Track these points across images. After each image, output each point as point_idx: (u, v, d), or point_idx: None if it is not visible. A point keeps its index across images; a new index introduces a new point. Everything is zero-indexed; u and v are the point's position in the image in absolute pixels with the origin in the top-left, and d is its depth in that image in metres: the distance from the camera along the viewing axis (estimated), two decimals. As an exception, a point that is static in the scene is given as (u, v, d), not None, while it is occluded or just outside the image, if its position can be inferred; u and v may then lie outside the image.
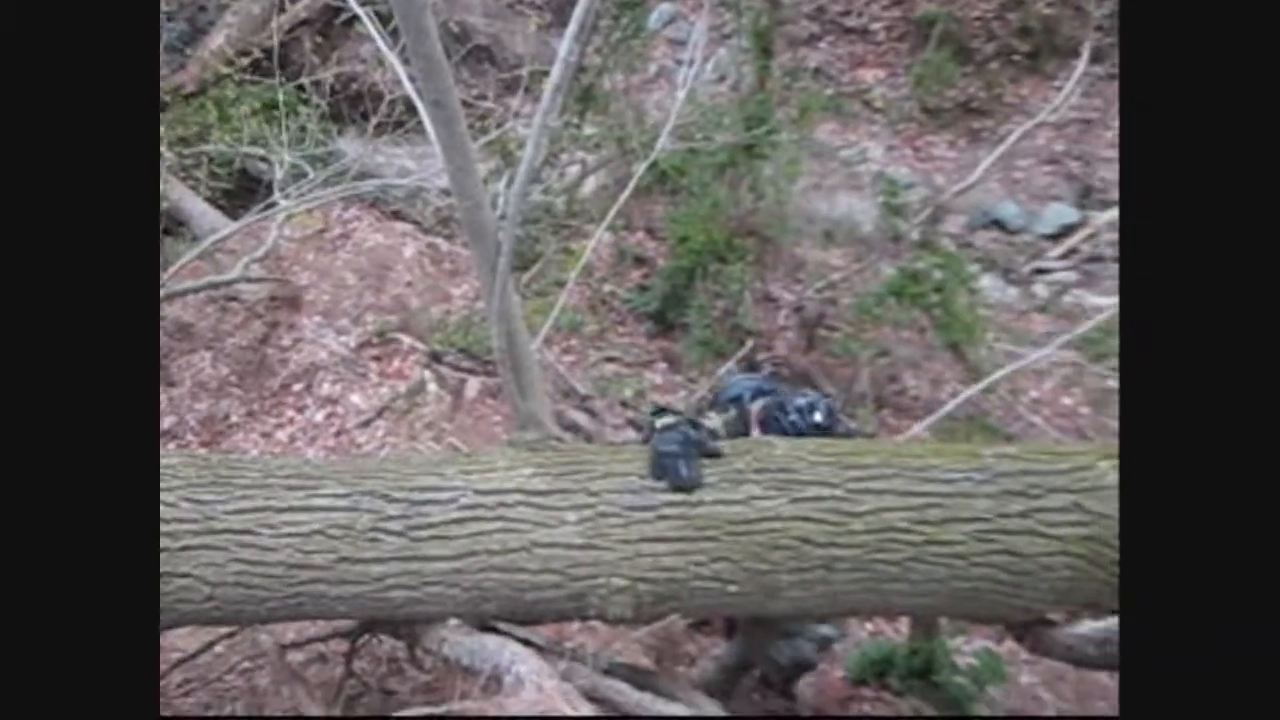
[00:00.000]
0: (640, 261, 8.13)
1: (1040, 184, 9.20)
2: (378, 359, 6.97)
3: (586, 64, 8.06)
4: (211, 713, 4.02)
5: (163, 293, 6.21)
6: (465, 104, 8.01)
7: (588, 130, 8.26)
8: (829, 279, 7.63)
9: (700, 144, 7.38)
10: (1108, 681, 4.75)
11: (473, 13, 10.21)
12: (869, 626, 5.17)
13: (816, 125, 8.30)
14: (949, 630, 4.58)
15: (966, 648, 4.67)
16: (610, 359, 7.23)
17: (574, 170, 8.46)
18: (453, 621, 3.21)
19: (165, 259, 6.63)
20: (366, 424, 6.45)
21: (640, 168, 5.31)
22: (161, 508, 3.04)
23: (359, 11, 4.57)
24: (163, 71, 8.87)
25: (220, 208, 8.20)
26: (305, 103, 8.49)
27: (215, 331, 7.19)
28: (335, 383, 6.78)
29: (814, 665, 4.29)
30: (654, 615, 3.08)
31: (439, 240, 8.14)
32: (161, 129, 7.92)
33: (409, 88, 3.68)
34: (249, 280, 7.20)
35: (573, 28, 2.87)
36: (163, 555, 3.01)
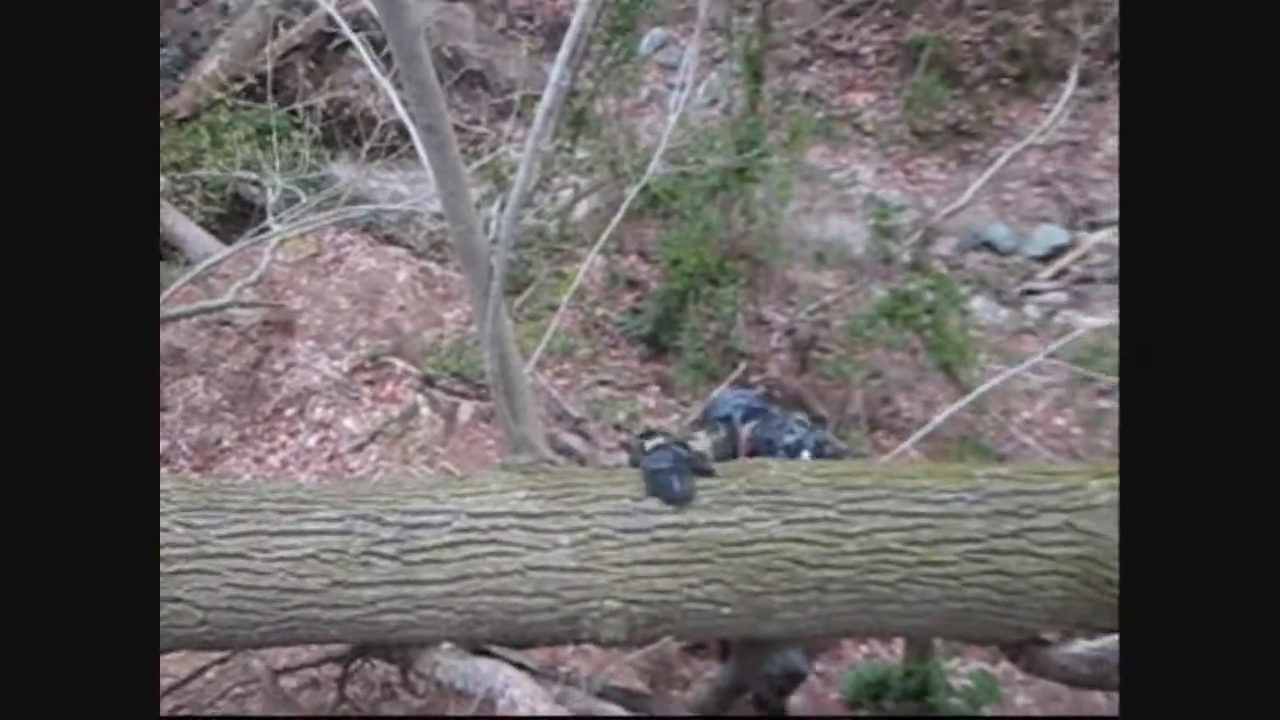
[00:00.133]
0: (633, 285, 8.15)
1: (1030, 206, 9.24)
2: (370, 383, 6.97)
3: (579, 88, 8.10)
4: (204, 739, 4.00)
5: (155, 318, 6.20)
6: (458, 129, 8.06)
7: (580, 154, 8.29)
8: (821, 301, 7.65)
9: (692, 167, 7.41)
10: (1103, 701, 4.75)
11: (466, 38, 10.25)
12: (864, 649, 5.17)
13: (807, 148, 8.34)
14: (944, 652, 4.57)
15: (962, 669, 4.66)
16: (603, 382, 7.23)
17: (566, 194, 8.48)
18: (446, 645, 3.21)
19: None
20: (359, 449, 6.44)
21: (632, 191, 5.32)
22: (154, 532, 3.03)
23: (352, 37, 4.58)
24: (156, 97, 8.88)
25: (213, 232, 8.20)
26: (298, 128, 8.51)
27: (208, 356, 7.18)
28: (328, 407, 6.77)
29: (805, 675, 4.28)
30: (647, 638, 3.08)
31: (432, 264, 8.15)
32: (155, 154, 7.93)
33: (402, 113, 3.70)
34: (242, 305, 7.20)
35: (564, 52, 2.89)
36: (155, 580, 3.01)
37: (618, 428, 6.56)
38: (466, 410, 6.58)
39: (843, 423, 6.63)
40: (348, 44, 4.68)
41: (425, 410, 6.58)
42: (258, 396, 7.06)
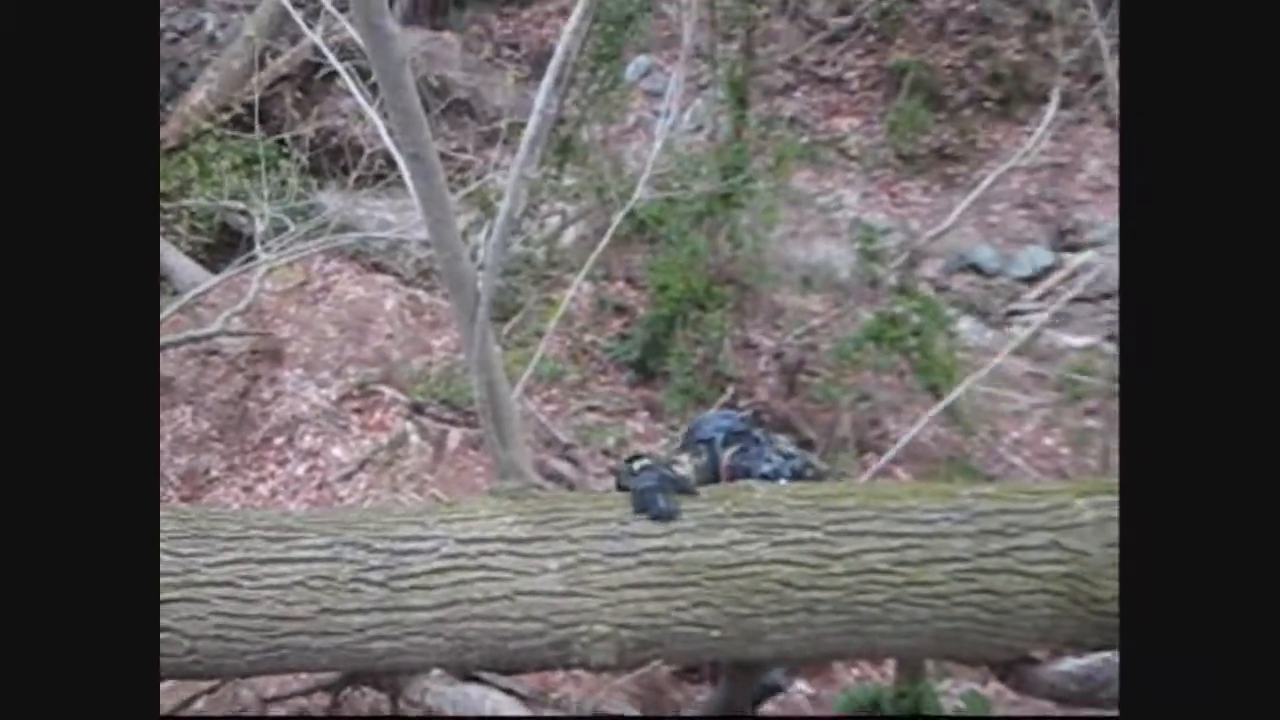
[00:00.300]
0: (620, 310, 8.16)
1: (1015, 227, 9.30)
2: (359, 411, 6.96)
3: (565, 116, 8.15)
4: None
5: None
6: (445, 157, 8.09)
7: (567, 181, 8.33)
8: (808, 325, 7.67)
9: (678, 193, 7.45)
10: (1094, 721, 4.75)
11: (452, 67, 10.31)
12: (855, 671, 5.16)
13: (793, 173, 8.38)
14: (935, 673, 4.57)
15: (954, 690, 4.66)
16: (592, 408, 7.23)
17: (554, 221, 8.51)
18: (435, 672, 3.20)
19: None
20: (348, 477, 6.42)
21: (618, 217, 5.35)
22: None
23: (338, 67, 4.61)
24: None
25: (201, 262, 8.20)
26: (286, 157, 8.54)
27: (196, 385, 7.17)
28: (317, 436, 6.76)
29: (783, 689, 4.27)
30: (637, 661, 3.08)
31: (420, 292, 8.15)
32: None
33: (388, 141, 3.72)
34: (230, 334, 7.20)
35: (548, 81, 2.92)
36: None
37: (606, 453, 6.56)
38: (455, 437, 6.57)
39: (831, 446, 6.64)
40: (334, 73, 4.72)
41: (414, 438, 6.57)
42: (246, 425, 7.04)
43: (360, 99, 4.33)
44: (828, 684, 5.01)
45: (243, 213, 8.18)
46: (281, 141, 8.78)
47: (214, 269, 7.81)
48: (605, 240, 5.22)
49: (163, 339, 6.75)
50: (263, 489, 6.57)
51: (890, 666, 4.63)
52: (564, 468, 6.15)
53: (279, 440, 6.82)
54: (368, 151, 8.02)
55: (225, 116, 9.03)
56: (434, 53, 10.18)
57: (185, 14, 10.48)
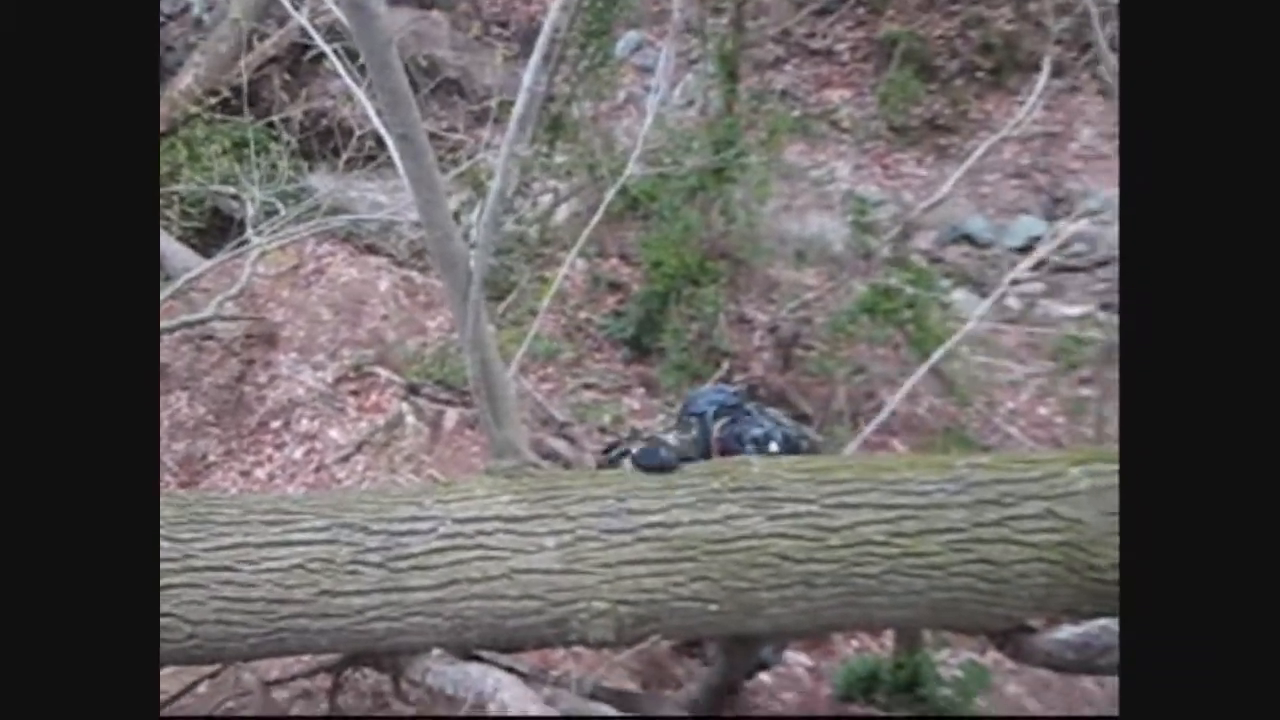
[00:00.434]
0: (615, 287, 8.16)
1: (1008, 198, 9.28)
2: (355, 393, 6.96)
3: (555, 93, 8.11)
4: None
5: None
6: (435, 136, 8.07)
7: (558, 159, 8.30)
8: (802, 298, 7.66)
9: (670, 169, 7.43)
10: (1093, 688, 4.78)
11: (440, 46, 10.26)
12: (854, 643, 5.19)
13: (785, 147, 8.36)
14: (933, 644, 4.60)
15: (952, 660, 4.69)
16: (588, 385, 7.24)
17: (546, 199, 8.49)
18: (436, 651, 3.21)
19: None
20: (346, 459, 6.43)
21: (609, 193, 5.34)
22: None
23: (326, 49, 4.59)
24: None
25: (193, 246, 8.18)
26: (275, 140, 8.51)
27: (191, 371, 7.17)
28: (313, 419, 6.76)
29: (770, 665, 4.29)
30: (636, 637, 3.09)
31: (413, 273, 8.14)
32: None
33: (377, 122, 3.70)
34: (223, 319, 7.19)
35: (536, 57, 2.90)
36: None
37: (603, 430, 6.56)
38: (452, 417, 6.58)
39: (827, 419, 6.65)
40: (322, 55, 4.69)
41: (410, 419, 6.58)
42: (242, 410, 7.05)
43: (348, 80, 4.31)
44: (826, 656, 5.04)
45: (234, 197, 8.15)
46: (271, 124, 8.75)
47: (206, 254, 7.79)
48: (597, 217, 5.20)
49: (157, 325, 6.74)
50: (260, 473, 6.58)
51: (888, 638, 4.67)
52: (561, 446, 6.16)
53: (276, 424, 6.83)
54: (358, 133, 7.99)
55: (213, 100, 8.99)
56: (422, 31, 10.12)
57: (171, -2, 10.42)
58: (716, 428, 3.60)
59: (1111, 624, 2.93)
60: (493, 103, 8.67)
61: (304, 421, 6.75)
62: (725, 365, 7.02)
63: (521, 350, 4.44)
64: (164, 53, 10.11)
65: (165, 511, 3.15)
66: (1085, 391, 6.92)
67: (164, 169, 8.65)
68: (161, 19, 10.28)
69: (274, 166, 7.96)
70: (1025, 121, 8.26)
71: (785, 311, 7.59)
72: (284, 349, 7.28)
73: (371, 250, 8.49)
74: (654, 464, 3.18)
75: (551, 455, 5.94)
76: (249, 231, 7.09)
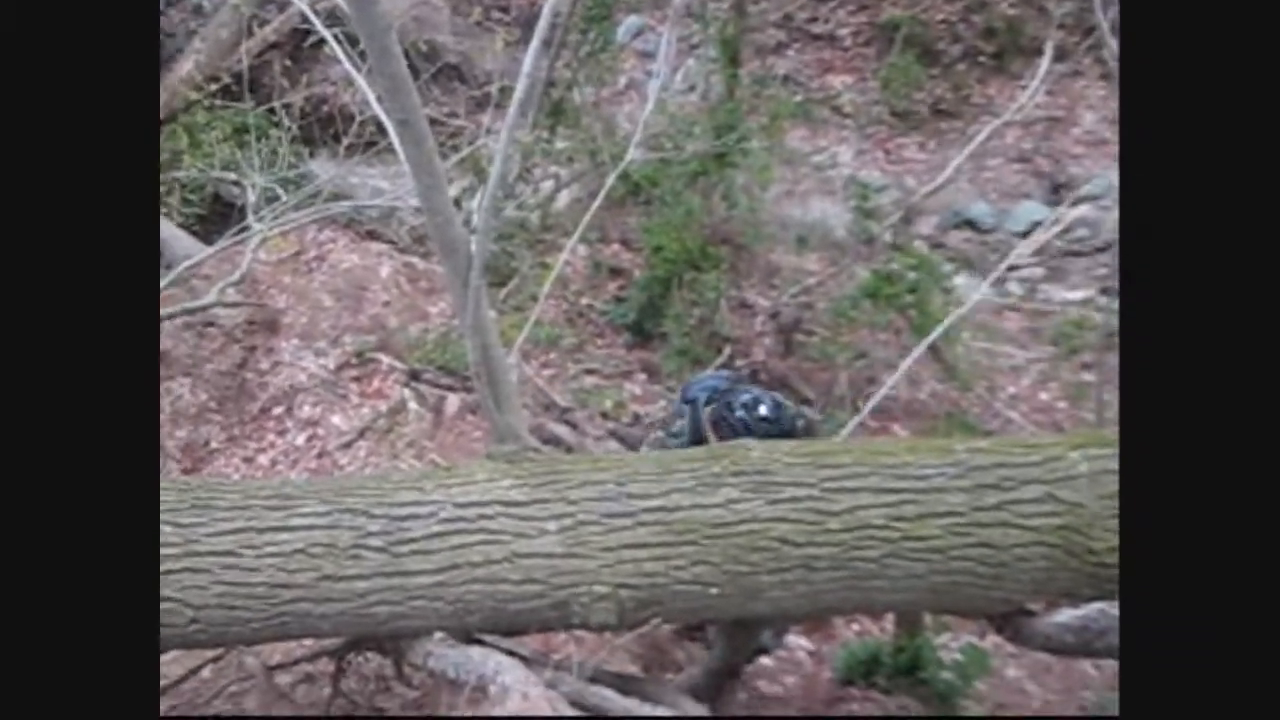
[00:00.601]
0: (616, 273, 8.15)
1: (1010, 182, 9.27)
2: (357, 379, 6.98)
3: (556, 78, 8.11)
4: (200, 738, 4.02)
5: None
6: (436, 122, 8.06)
7: (559, 144, 8.29)
8: (804, 284, 7.66)
9: (671, 154, 7.42)
10: (1092, 671, 4.80)
11: (441, 31, 10.23)
12: (855, 627, 5.21)
13: (786, 132, 8.34)
14: (934, 627, 4.62)
15: (952, 644, 4.71)
16: (589, 371, 7.25)
17: (548, 185, 8.48)
18: (437, 635, 3.23)
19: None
20: (348, 445, 6.45)
21: (610, 179, 5.34)
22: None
23: (326, 34, 4.59)
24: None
25: (194, 233, 8.19)
26: (276, 126, 8.49)
27: (193, 357, 7.17)
28: (315, 405, 6.78)
29: (769, 650, 4.31)
30: (637, 621, 3.10)
31: (415, 259, 8.14)
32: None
33: (377, 108, 3.70)
34: (225, 305, 7.20)
35: (535, 43, 2.91)
36: (145, 580, 3.02)
37: (605, 416, 6.58)
38: (454, 403, 6.59)
39: (829, 404, 6.66)
40: (323, 41, 4.69)
41: (412, 404, 6.60)
42: (245, 396, 7.07)
43: (349, 66, 4.31)
44: (827, 639, 5.06)
45: (235, 183, 8.15)
46: (271, 110, 8.73)
47: (207, 240, 7.79)
48: (598, 202, 5.20)
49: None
50: (263, 459, 6.60)
51: (889, 621, 4.68)
52: (562, 431, 6.17)
53: (278, 410, 6.85)
54: (358, 119, 7.98)
55: (214, 87, 8.97)
56: (422, 17, 10.09)
57: (171, -16, 10.39)
58: (707, 412, 3.62)
59: (1110, 607, 2.94)
60: (493, 88, 8.65)
61: (306, 408, 6.76)
62: (727, 350, 7.03)
63: (523, 336, 4.45)
64: (164, 39, 10.09)
65: (167, 497, 3.17)
66: (1086, 376, 6.92)
67: (165, 156, 8.63)
68: (162, 6, 10.26)
69: (275, 153, 7.95)
70: (1027, 106, 8.25)
71: (787, 297, 7.59)
72: (286, 335, 7.29)
73: (373, 236, 8.49)
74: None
75: (553, 440, 5.96)
76: (250, 218, 7.10)
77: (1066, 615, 3.03)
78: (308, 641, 3.84)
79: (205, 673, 4.04)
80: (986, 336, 7.41)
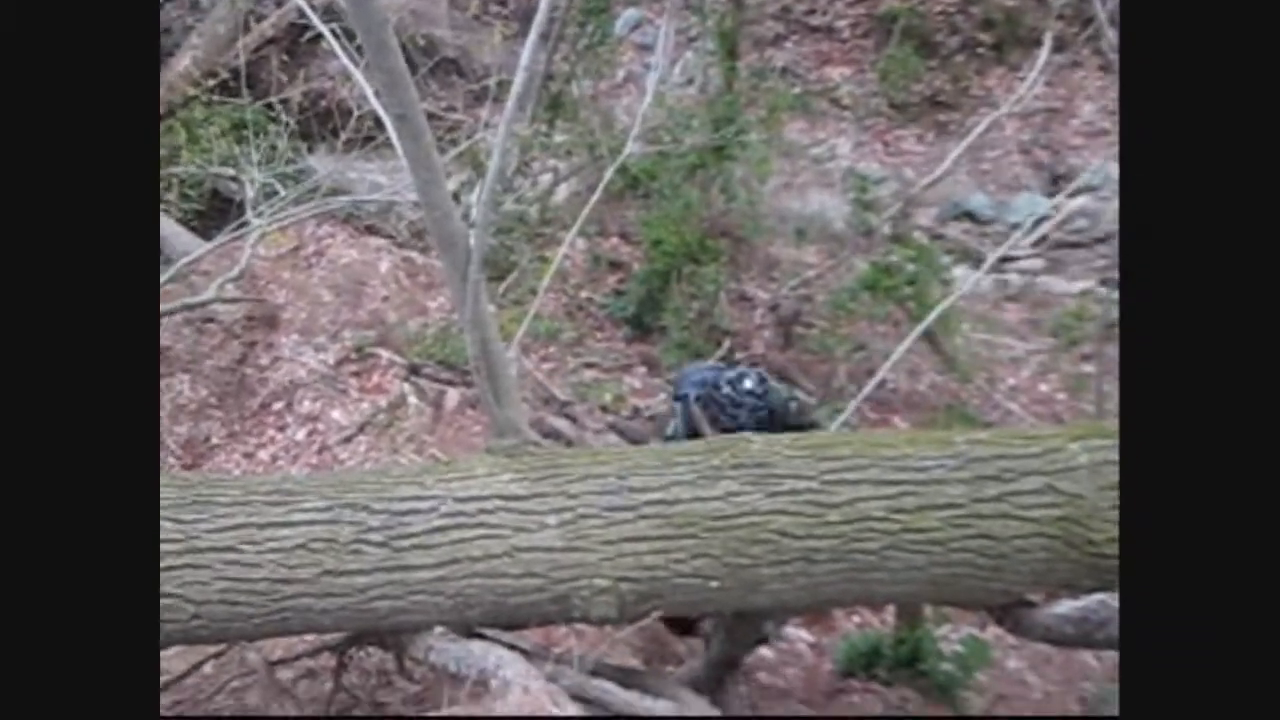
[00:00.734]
0: (615, 266, 8.16)
1: (1009, 174, 9.27)
2: (357, 374, 6.98)
3: (554, 71, 8.10)
4: (203, 733, 4.02)
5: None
6: (435, 116, 8.06)
7: (558, 138, 8.29)
8: (803, 276, 7.68)
9: (670, 147, 7.42)
10: (1092, 662, 4.81)
11: (439, 25, 10.22)
12: (855, 619, 5.22)
13: (785, 124, 8.35)
14: (934, 619, 4.63)
15: (953, 635, 4.72)
16: (589, 364, 7.25)
17: (546, 178, 8.48)
18: (438, 630, 3.23)
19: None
20: (348, 440, 6.45)
21: (609, 172, 5.34)
22: (143, 529, 3.04)
23: (323, 29, 4.58)
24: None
25: (192, 229, 8.17)
26: (274, 121, 8.48)
27: (193, 353, 7.17)
28: (315, 400, 6.78)
29: (768, 639, 4.31)
30: (638, 614, 3.10)
31: (414, 254, 8.14)
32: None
33: (375, 103, 3.70)
34: (224, 301, 7.19)
35: (533, 36, 2.91)
36: (146, 576, 3.02)
37: (604, 409, 6.58)
38: (453, 397, 6.60)
39: (828, 396, 6.66)
40: (320, 36, 4.68)
41: (412, 399, 6.60)
42: (245, 392, 7.06)
43: (346, 61, 4.30)
44: (828, 632, 5.07)
45: (233, 179, 8.13)
46: (269, 106, 8.72)
47: (206, 236, 7.78)
48: (597, 196, 5.20)
49: (158, 308, 6.74)
50: (263, 454, 6.60)
51: (890, 613, 4.69)
52: (562, 425, 6.18)
53: (278, 405, 6.85)
54: (356, 113, 7.96)
55: (212, 82, 8.96)
56: (420, 10, 10.09)
57: (168, -21, 10.37)
58: (697, 406, 3.64)
59: (1109, 598, 2.94)
60: (491, 82, 8.63)
61: (306, 403, 6.77)
62: (726, 343, 7.04)
63: (522, 330, 4.45)
64: (162, 35, 10.08)
65: (168, 493, 3.16)
66: (1086, 368, 6.93)
67: (162, 152, 8.60)
68: (160, 1, 10.25)
69: (273, 148, 7.94)
70: (1026, 97, 8.25)
71: (786, 289, 7.60)
72: (285, 331, 7.29)
73: (372, 231, 8.48)
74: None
75: (553, 434, 5.96)
76: (249, 213, 7.09)
77: (1066, 606, 3.02)
78: (309, 637, 3.84)
79: (207, 668, 4.04)
80: (986, 328, 7.41)
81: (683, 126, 7.61)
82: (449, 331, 6.95)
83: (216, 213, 8.35)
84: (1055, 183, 9.08)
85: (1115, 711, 4.12)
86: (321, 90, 9.43)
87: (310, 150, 8.88)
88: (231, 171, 8.04)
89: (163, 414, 6.79)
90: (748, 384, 3.59)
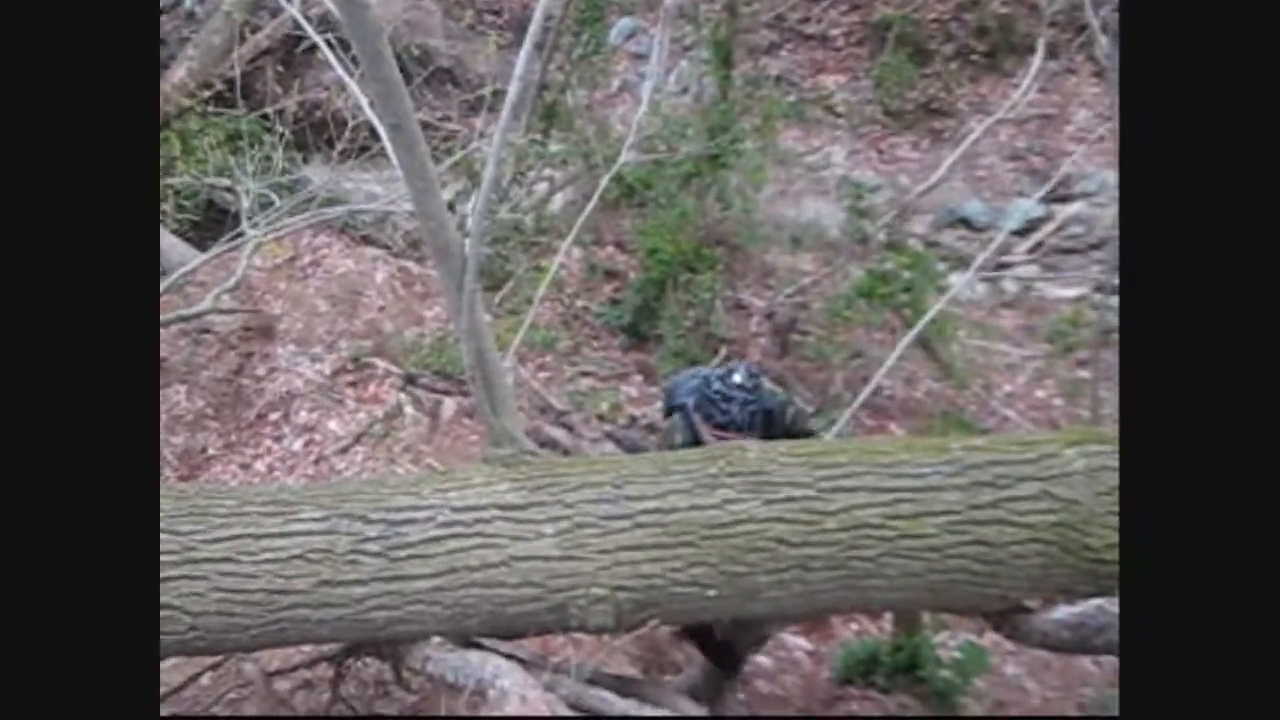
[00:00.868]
0: (611, 275, 8.17)
1: (1004, 180, 9.29)
2: (353, 385, 6.97)
3: (549, 81, 8.11)
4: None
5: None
6: (430, 126, 8.06)
7: (553, 147, 8.30)
8: (799, 284, 7.69)
9: (665, 156, 7.43)
10: (1092, 669, 4.81)
11: (434, 35, 10.24)
12: (854, 626, 5.22)
13: (780, 132, 8.37)
14: (932, 625, 4.63)
15: (951, 642, 4.72)
16: (585, 373, 7.26)
17: (542, 187, 8.49)
18: (436, 640, 3.23)
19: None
20: (345, 450, 6.44)
21: (604, 180, 5.35)
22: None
23: (318, 40, 4.58)
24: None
25: (188, 240, 8.17)
26: (269, 132, 8.48)
27: (189, 364, 7.17)
28: (312, 410, 6.77)
29: (764, 640, 4.30)
30: (635, 623, 3.10)
31: (409, 264, 8.14)
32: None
33: (370, 113, 3.71)
34: (221, 311, 7.18)
35: (527, 46, 2.92)
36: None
37: (601, 418, 6.58)
38: (450, 407, 6.59)
39: (825, 403, 6.67)
40: (315, 46, 4.69)
41: (409, 409, 6.59)
42: (241, 403, 7.06)
43: (341, 71, 4.31)
44: (825, 639, 5.06)
45: (228, 189, 8.11)
46: (265, 116, 8.73)
47: (202, 247, 7.78)
48: (592, 205, 5.21)
49: (154, 318, 6.73)
50: (260, 465, 6.59)
51: (887, 620, 4.69)
52: (559, 434, 6.18)
53: (274, 416, 6.84)
54: (351, 124, 7.96)
55: (207, 93, 8.96)
56: (415, 21, 10.11)
57: (164, -9, 10.39)
58: (697, 416, 3.64)
59: (1107, 603, 2.94)
60: (486, 91, 8.64)
61: (303, 413, 6.76)
62: (723, 351, 7.04)
63: (518, 339, 4.45)
64: (157, 46, 10.09)
65: (165, 504, 3.16)
66: (1082, 373, 6.94)
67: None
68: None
69: (268, 158, 7.93)
70: (1020, 104, 8.26)
71: (782, 297, 7.61)
72: (281, 341, 7.28)
73: (368, 241, 8.49)
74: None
75: (550, 443, 5.96)
76: (244, 224, 7.08)
77: (1064, 612, 3.02)
78: (306, 648, 3.84)
79: (204, 680, 4.03)
80: (982, 335, 7.42)
81: (678, 135, 7.63)
82: (445, 341, 6.95)
83: (212, 223, 8.34)
84: (1050, 189, 9.09)
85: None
86: (316, 101, 9.44)
87: (305, 161, 8.87)
88: (227, 182, 8.02)
89: (160, 424, 6.78)
90: (737, 378, 3.60)
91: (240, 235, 7.02)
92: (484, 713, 2.94)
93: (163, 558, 3.06)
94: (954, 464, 3.03)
